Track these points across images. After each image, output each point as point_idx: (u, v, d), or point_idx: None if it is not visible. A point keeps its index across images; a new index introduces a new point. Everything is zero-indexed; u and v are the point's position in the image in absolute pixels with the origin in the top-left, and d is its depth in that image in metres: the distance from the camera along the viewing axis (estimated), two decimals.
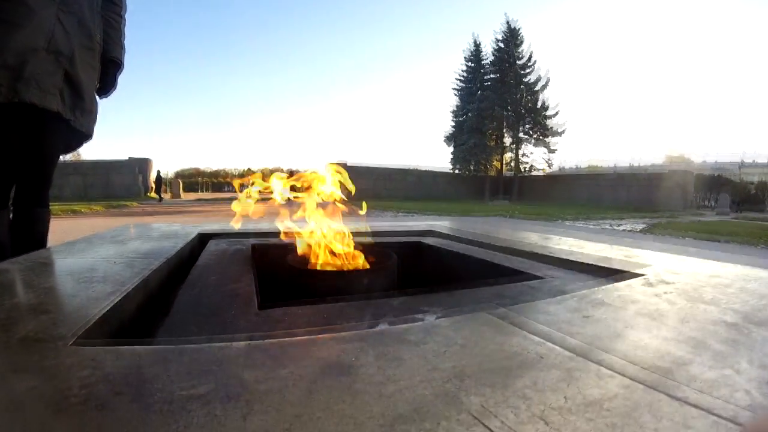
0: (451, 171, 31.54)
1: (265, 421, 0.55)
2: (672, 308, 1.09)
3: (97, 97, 2.44)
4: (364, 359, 0.76)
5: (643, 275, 1.54)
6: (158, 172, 21.74)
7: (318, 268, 1.75)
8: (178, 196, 25.76)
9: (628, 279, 1.49)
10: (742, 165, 50.01)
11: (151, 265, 1.47)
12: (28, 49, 1.92)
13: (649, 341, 0.85)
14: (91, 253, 1.71)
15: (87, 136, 2.39)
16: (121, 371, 0.69)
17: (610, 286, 1.40)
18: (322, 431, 0.53)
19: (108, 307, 1.01)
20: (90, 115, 2.33)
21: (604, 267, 1.73)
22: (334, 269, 1.73)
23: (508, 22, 30.61)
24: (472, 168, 30.44)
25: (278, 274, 1.77)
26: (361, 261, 1.83)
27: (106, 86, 2.54)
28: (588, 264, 1.80)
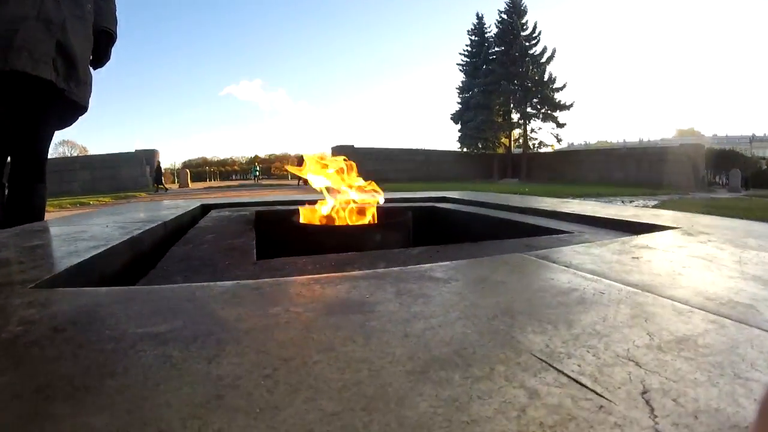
0: (459, 150, 30.97)
1: (237, 365, 0.40)
2: (723, 252, 0.96)
3: (90, 68, 2.34)
4: (381, 295, 0.61)
5: (678, 227, 1.38)
6: (157, 162, 21.54)
7: (327, 224, 1.60)
8: (187, 185, 25.70)
9: (663, 231, 1.33)
10: (753, 139, 48.64)
11: (144, 228, 1.32)
12: (18, 17, 1.85)
13: (714, 279, 0.73)
14: (85, 222, 1.58)
15: (82, 107, 2.30)
16: (73, 311, 0.56)
17: (648, 235, 1.24)
18: (318, 379, 0.37)
19: (84, 259, 0.88)
20: (85, 86, 2.23)
21: (634, 222, 1.55)
22: (344, 225, 1.58)
23: None
24: (480, 146, 29.78)
25: (283, 234, 1.62)
26: (372, 218, 1.68)
27: (100, 57, 2.44)
28: (616, 220, 1.62)
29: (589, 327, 0.49)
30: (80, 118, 2.38)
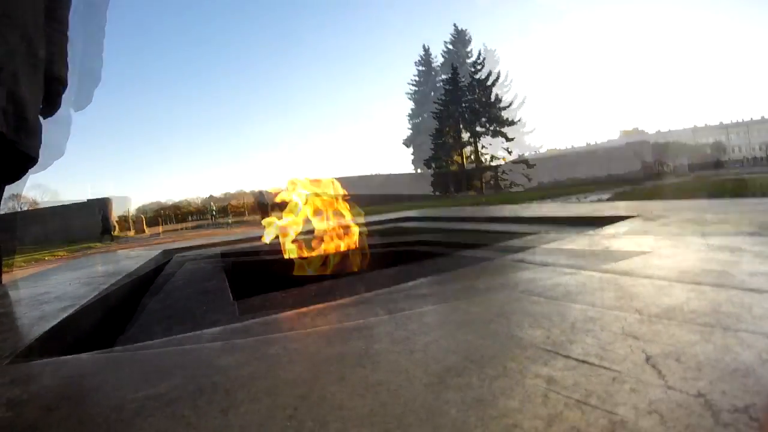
0: (414, 172, 31.73)
1: (255, 412, 0.39)
2: (685, 230, 1.04)
3: (41, 117, 2.26)
4: (375, 319, 0.61)
5: (637, 215, 1.47)
6: (102, 212, 20.49)
7: (300, 256, 1.58)
8: (143, 231, 24.63)
9: (624, 221, 1.41)
10: (695, 130, 52.69)
11: (109, 281, 1.26)
12: None
13: (684, 255, 0.78)
14: (46, 281, 1.48)
15: (32, 159, 2.18)
16: (59, 384, 0.52)
17: (611, 227, 1.31)
18: (343, 409, 0.37)
19: (56, 324, 0.82)
20: (35, 135, 2.12)
21: (595, 216, 1.65)
22: (317, 255, 1.56)
23: (455, 25, 31.45)
24: (434, 166, 30.76)
25: (255, 272, 1.58)
26: (344, 243, 1.67)
27: (51, 106, 2.36)
28: (578, 217, 1.71)
29: (581, 314, 0.51)
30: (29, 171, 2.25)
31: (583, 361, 0.38)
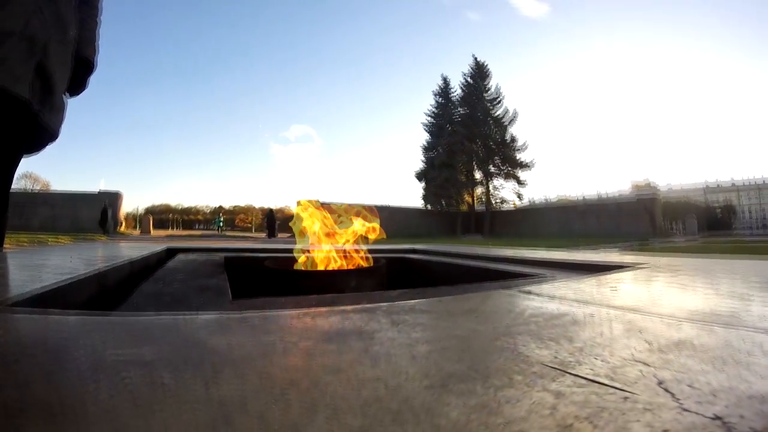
0: (423, 207, 31.64)
1: (240, 389, 0.37)
2: (694, 280, 1.04)
3: (65, 96, 2.31)
4: (377, 325, 0.60)
5: (645, 266, 1.45)
6: (104, 205, 20.56)
7: (303, 269, 1.57)
8: (148, 232, 24.72)
9: (633, 269, 1.39)
10: (706, 189, 52.46)
11: (110, 263, 1.25)
12: (4, 31, 1.79)
13: (693, 300, 0.78)
14: (47, 254, 1.49)
15: (53, 135, 2.23)
16: (40, 335, 0.51)
17: (619, 272, 1.29)
18: (335, 398, 0.35)
19: (48, 288, 0.81)
20: (58, 113, 2.17)
21: (601, 264, 1.63)
22: (320, 271, 1.55)
23: (475, 58, 31.84)
24: (443, 203, 30.63)
25: (257, 278, 1.57)
26: (348, 263, 1.66)
27: (76, 86, 2.41)
28: (584, 263, 1.69)
29: (589, 341, 0.50)
30: (48, 146, 2.29)
31: (593, 381, 0.37)
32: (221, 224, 34.27)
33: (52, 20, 2.06)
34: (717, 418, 0.30)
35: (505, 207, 32.07)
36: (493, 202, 32.06)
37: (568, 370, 0.40)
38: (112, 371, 0.40)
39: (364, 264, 1.70)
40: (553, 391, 0.35)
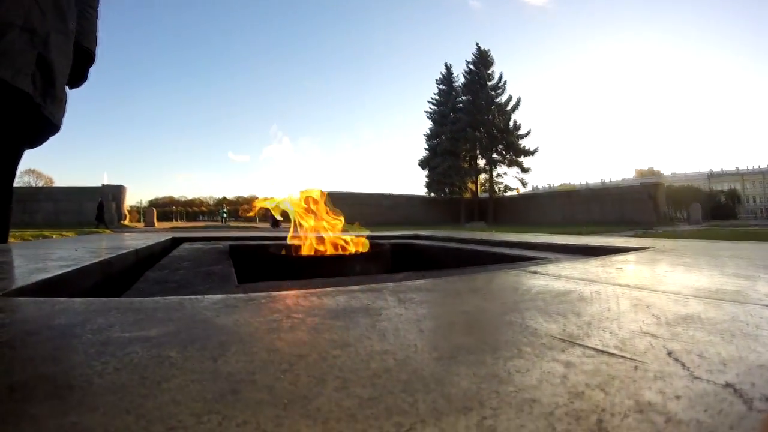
0: (427, 195, 31.49)
1: (248, 363, 0.37)
2: (699, 261, 1.03)
3: (66, 87, 2.30)
4: (383, 303, 0.60)
5: (649, 248, 1.45)
6: (100, 199, 20.58)
7: (307, 254, 1.57)
8: (152, 224, 24.83)
9: (636, 252, 1.39)
10: (710, 175, 51.96)
11: (114, 253, 1.26)
12: (5, 23, 1.79)
13: (698, 278, 0.77)
14: (52, 246, 1.49)
15: (55, 127, 2.22)
16: (46, 317, 0.51)
17: (623, 255, 1.29)
18: (344, 370, 0.35)
19: (54, 276, 0.82)
20: (60, 104, 2.16)
21: (607, 246, 1.63)
22: (328, 254, 1.55)
23: (478, 45, 31.36)
24: (447, 191, 30.45)
25: (263, 264, 1.57)
26: (353, 249, 1.66)
27: (77, 77, 2.40)
28: (589, 246, 1.69)
29: (597, 315, 0.50)
30: (50, 138, 2.29)
31: (603, 351, 0.37)
32: (225, 215, 34.56)
33: (52, 12, 2.04)
34: (729, 385, 0.30)
35: (509, 194, 31.90)
36: (497, 189, 31.91)
37: (577, 342, 0.40)
38: (118, 349, 0.40)
39: (364, 250, 1.70)
40: (562, 362, 0.35)
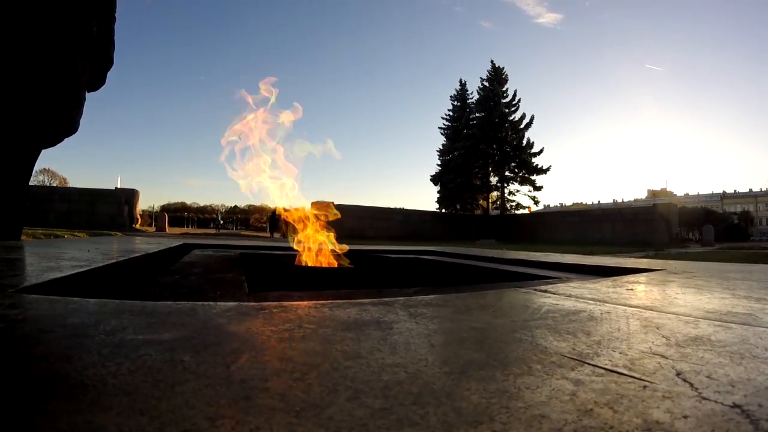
0: (438, 211, 31.37)
1: (260, 370, 0.38)
2: (710, 283, 1.03)
3: (85, 90, 2.37)
4: (394, 317, 0.60)
5: (661, 270, 1.43)
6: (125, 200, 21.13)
7: (317, 265, 1.58)
8: (163, 229, 25.08)
9: (648, 272, 1.38)
10: (723, 196, 51.12)
11: (126, 256, 1.28)
12: None
13: (709, 300, 0.77)
14: (65, 246, 1.53)
15: (72, 128, 2.29)
16: (60, 315, 0.53)
17: (635, 275, 1.28)
18: (356, 381, 0.36)
19: (67, 275, 0.84)
20: (79, 107, 2.23)
21: (618, 267, 1.62)
22: (333, 267, 1.56)
23: (492, 63, 31.50)
24: (458, 207, 30.31)
25: (274, 273, 1.59)
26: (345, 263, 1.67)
27: (96, 81, 2.48)
28: (600, 267, 1.68)
29: (606, 335, 0.50)
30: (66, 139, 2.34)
31: (612, 371, 0.37)
32: (221, 222, 36.32)
33: (76, 18, 2.12)
34: (736, 406, 0.30)
35: (520, 212, 31.64)
36: (509, 207, 31.70)
37: (587, 361, 0.40)
38: (132, 351, 0.41)
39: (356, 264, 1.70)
40: (572, 379, 0.35)
